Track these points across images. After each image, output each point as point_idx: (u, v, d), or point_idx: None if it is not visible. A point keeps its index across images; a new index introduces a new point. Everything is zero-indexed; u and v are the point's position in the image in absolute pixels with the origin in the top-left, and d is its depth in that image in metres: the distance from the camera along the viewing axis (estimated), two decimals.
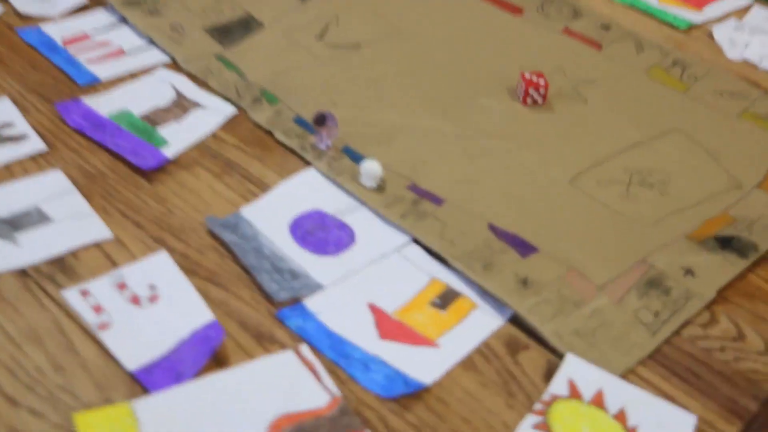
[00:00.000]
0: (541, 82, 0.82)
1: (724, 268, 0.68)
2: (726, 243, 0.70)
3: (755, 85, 0.90)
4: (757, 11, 1.02)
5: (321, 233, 0.68)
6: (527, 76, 0.82)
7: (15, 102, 0.78)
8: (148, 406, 0.55)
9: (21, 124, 0.76)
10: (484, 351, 0.61)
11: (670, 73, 0.90)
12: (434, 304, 0.63)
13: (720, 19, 1.00)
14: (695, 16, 1.00)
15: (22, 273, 0.63)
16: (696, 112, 0.85)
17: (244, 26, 0.90)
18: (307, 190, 0.72)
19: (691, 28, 0.99)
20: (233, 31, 0.89)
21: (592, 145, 0.79)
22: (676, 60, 0.92)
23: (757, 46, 0.95)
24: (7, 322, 0.60)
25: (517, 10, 0.97)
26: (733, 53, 0.95)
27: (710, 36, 0.98)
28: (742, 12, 1.02)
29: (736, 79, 0.90)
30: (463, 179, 0.74)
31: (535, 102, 0.83)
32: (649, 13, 1.00)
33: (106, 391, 0.56)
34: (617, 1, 1.02)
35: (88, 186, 0.71)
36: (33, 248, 0.65)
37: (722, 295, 0.67)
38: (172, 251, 0.65)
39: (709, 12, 1.01)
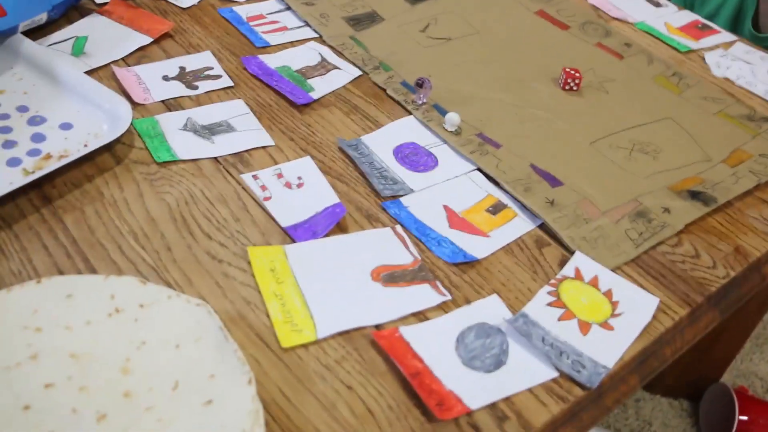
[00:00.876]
0: (577, 75, 0.86)
1: (691, 211, 0.71)
2: (695, 195, 0.74)
3: (731, 95, 0.92)
4: (739, 45, 1.03)
5: (414, 157, 0.72)
6: (567, 69, 0.86)
7: (214, 54, 0.84)
8: (294, 249, 0.61)
9: (218, 69, 0.81)
10: (519, 243, 0.65)
11: (670, 80, 0.92)
12: (488, 210, 0.68)
13: (711, 48, 1.01)
14: (693, 44, 1.01)
15: (216, 160, 0.70)
16: (685, 108, 0.87)
17: (371, 18, 0.94)
18: (407, 129, 0.76)
19: (689, 51, 1.00)
20: (363, 20, 0.93)
21: (608, 122, 0.82)
22: (676, 72, 0.94)
23: (735, 69, 0.97)
24: (206, 189, 0.66)
25: (564, 26, 1.00)
26: (717, 72, 0.96)
27: (703, 59, 0.99)
28: (728, 45, 1.03)
29: (718, 90, 0.92)
30: (515, 134, 0.78)
31: (571, 89, 0.86)
32: (660, 39, 1.01)
33: (267, 237, 0.62)
34: (638, 27, 1.04)
35: (260, 111, 0.76)
36: (223, 146, 0.71)
37: (688, 228, 0.70)
38: (314, 158, 0.71)
39: (704, 42, 1.02)
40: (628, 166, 0.76)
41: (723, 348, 1.21)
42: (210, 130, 0.72)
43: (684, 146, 0.81)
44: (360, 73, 0.84)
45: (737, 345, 1.18)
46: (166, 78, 0.79)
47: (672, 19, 1.07)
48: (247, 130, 0.73)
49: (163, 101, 0.76)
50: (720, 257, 0.68)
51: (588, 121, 0.82)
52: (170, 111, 0.75)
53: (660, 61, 0.95)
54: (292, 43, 0.88)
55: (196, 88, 0.78)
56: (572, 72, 0.85)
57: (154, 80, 0.78)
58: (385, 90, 0.81)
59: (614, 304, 0.60)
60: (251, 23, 0.90)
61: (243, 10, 0.93)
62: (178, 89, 0.78)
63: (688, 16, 1.08)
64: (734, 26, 1.21)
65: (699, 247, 0.68)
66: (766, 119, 0.88)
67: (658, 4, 1.10)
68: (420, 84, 0.79)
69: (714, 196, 0.74)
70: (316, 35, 0.90)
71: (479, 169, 0.72)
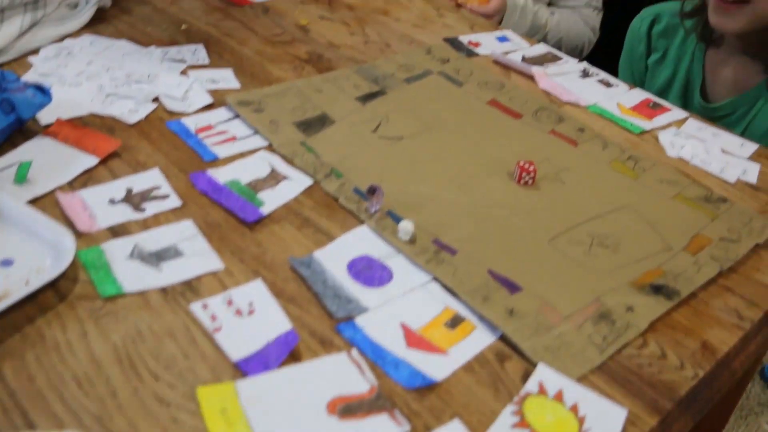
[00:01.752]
0: (531, 168, 0.85)
1: (654, 307, 0.70)
2: (658, 289, 0.73)
3: (686, 176, 0.92)
4: (691, 122, 1.04)
5: (369, 272, 0.71)
6: (521, 163, 0.86)
7: (162, 172, 0.82)
8: (246, 385, 0.58)
9: (166, 187, 0.80)
10: (480, 359, 0.63)
11: (626, 164, 0.92)
12: (446, 325, 0.66)
13: (664, 127, 1.02)
14: (646, 124, 1.02)
15: (163, 291, 0.68)
16: (643, 194, 0.87)
17: (322, 121, 0.93)
18: (361, 241, 0.75)
19: (643, 132, 1.00)
20: (313, 124, 0.92)
21: (566, 215, 0.82)
22: (631, 156, 0.94)
23: (689, 148, 0.98)
24: (153, 323, 0.64)
25: (517, 115, 1.00)
26: (672, 153, 0.97)
27: (656, 139, 0.99)
28: (680, 122, 1.04)
29: (674, 171, 0.92)
30: (472, 236, 0.77)
31: (526, 183, 0.86)
32: (613, 121, 1.02)
33: (217, 373, 0.60)
34: (591, 110, 1.04)
35: (209, 232, 0.75)
36: (171, 273, 0.69)
37: (653, 326, 0.68)
38: (265, 280, 0.69)
39: (657, 121, 1.03)
40: (588, 263, 0.75)
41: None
42: (158, 257, 0.71)
43: (644, 235, 0.80)
44: (311, 181, 0.83)
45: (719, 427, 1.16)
46: (112, 201, 0.78)
47: (624, 99, 1.08)
48: (196, 254, 0.71)
49: (109, 227, 0.74)
50: (687, 355, 0.66)
51: (545, 217, 0.81)
52: (116, 237, 0.73)
53: (615, 145, 0.96)
54: (242, 154, 0.87)
55: (144, 210, 0.77)
56: (526, 166, 0.85)
57: (100, 205, 0.77)
58: (337, 199, 0.80)
59: (581, 420, 0.59)
60: (200, 135, 0.89)
61: (191, 121, 0.92)
62: (124, 213, 0.76)
63: (639, 95, 1.09)
64: (685, 97, 1.22)
65: (665, 346, 0.67)
66: (723, 199, 0.88)
67: (609, 84, 1.11)
68: (372, 191, 0.78)
69: (677, 288, 0.73)
70: (267, 143, 0.89)
71: (436, 279, 0.71)
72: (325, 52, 1.13)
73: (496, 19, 1.42)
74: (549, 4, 1.63)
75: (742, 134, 1.14)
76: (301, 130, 0.91)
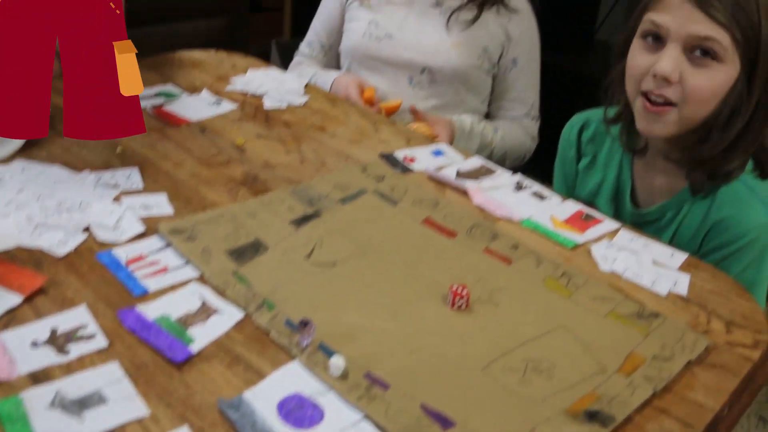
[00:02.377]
0: (464, 292, 0.86)
1: None
2: (593, 416, 0.73)
3: (620, 291, 0.93)
4: (623, 234, 1.06)
5: (299, 411, 0.69)
6: (454, 287, 0.86)
7: (90, 308, 0.80)
8: None
9: (92, 326, 0.78)
10: None
11: (559, 282, 0.93)
12: None
13: (597, 240, 1.04)
14: (579, 237, 1.04)
15: None
16: (576, 313, 0.88)
17: (255, 248, 0.93)
18: (292, 378, 0.73)
19: (576, 246, 1.02)
20: (246, 252, 0.92)
21: (500, 340, 0.81)
22: (564, 272, 0.95)
23: (622, 261, 0.99)
24: None
25: (452, 234, 1.01)
26: (605, 266, 0.98)
27: (589, 252, 1.01)
28: (612, 234, 1.06)
29: (607, 287, 0.93)
30: (405, 368, 0.76)
31: (460, 307, 0.86)
32: (547, 235, 1.04)
33: None
34: (524, 225, 1.06)
35: (135, 374, 0.73)
36: (94, 424, 0.66)
37: None
38: (192, 426, 0.67)
39: (589, 234, 1.05)
40: (523, 391, 0.75)
41: None
42: (80, 404, 0.69)
43: (578, 358, 0.81)
44: (243, 314, 0.82)
45: None
46: (35, 344, 0.76)
47: (557, 212, 1.10)
48: (121, 400, 0.70)
49: (30, 373, 0.72)
50: None
51: (479, 343, 0.81)
52: (37, 384, 0.71)
53: (548, 262, 0.97)
54: (173, 287, 0.86)
55: (68, 352, 0.75)
56: (459, 290, 0.86)
57: (21, 348, 0.75)
58: (268, 333, 0.79)
59: None
60: (130, 266, 0.88)
61: (122, 252, 0.91)
62: (47, 357, 0.74)
63: (572, 207, 1.12)
64: (615, 202, 1.25)
65: None
66: (655, 315, 0.89)
67: (542, 197, 1.14)
68: (303, 324, 0.78)
69: (612, 414, 0.73)
70: (198, 274, 0.88)
71: (368, 416, 0.70)
72: (261, 173, 1.14)
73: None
74: (487, 116, 1.68)
75: (673, 238, 1.17)
76: (233, 259, 0.91)
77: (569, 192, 1.34)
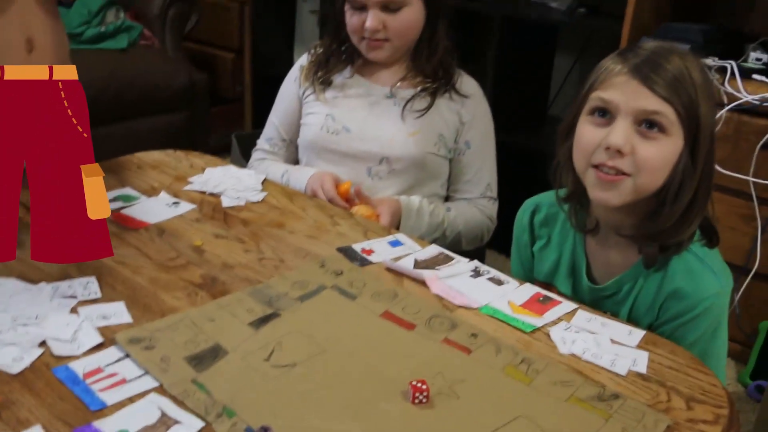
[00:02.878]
0: (424, 387, 0.86)
1: None
2: None
3: (579, 374, 0.94)
4: (581, 314, 1.07)
5: None
6: (414, 382, 0.86)
7: (44, 428, 0.79)
8: None
9: None
10: None
11: (519, 369, 0.93)
12: None
13: (555, 322, 1.05)
14: (537, 321, 1.05)
15: None
16: (537, 400, 0.88)
17: (214, 354, 0.92)
18: None
19: (534, 330, 1.03)
20: (205, 358, 0.91)
21: None
22: (524, 358, 0.95)
23: (580, 342, 1.01)
24: None
25: (410, 326, 1.01)
26: (564, 349, 0.99)
27: (548, 336, 1.02)
28: (570, 315, 1.08)
29: (566, 370, 0.94)
30: None
31: (420, 402, 0.86)
32: (505, 321, 1.05)
33: None
34: (483, 312, 1.07)
35: None
36: None
37: None
38: None
39: (548, 317, 1.06)
40: None
41: None
42: None
43: None
44: (203, 424, 0.81)
45: None
46: None
47: (514, 296, 1.11)
48: None
49: None
50: None
51: None
52: None
53: (508, 348, 0.98)
54: (131, 399, 0.85)
55: None
56: (419, 385, 0.86)
57: None
58: None
59: None
60: (88, 380, 0.88)
61: (79, 365, 0.90)
62: None
63: (529, 291, 1.14)
64: (573, 279, 1.27)
65: None
66: (615, 396, 0.90)
67: (500, 282, 1.15)
68: (264, 431, 0.77)
69: None
70: (157, 384, 0.87)
71: None
72: (220, 275, 1.15)
73: (393, 224, 1.48)
74: (447, 199, 1.71)
75: (630, 312, 1.19)
76: (192, 366, 0.91)
77: (527, 274, 1.36)
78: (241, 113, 3.46)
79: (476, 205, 1.68)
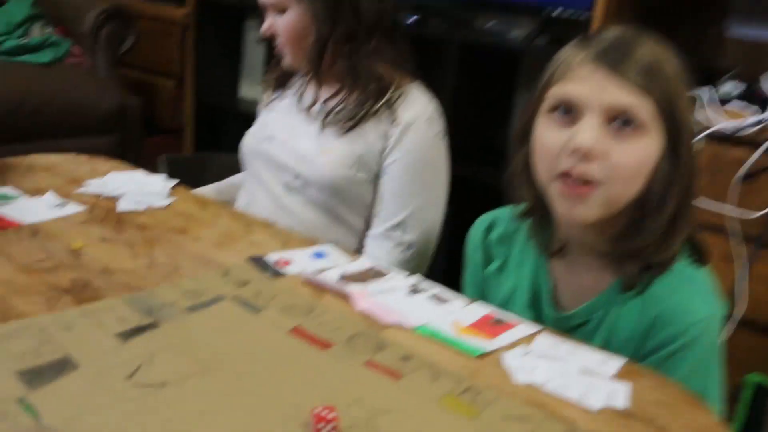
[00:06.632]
0: (331, 416, 0.66)
1: None
2: None
3: (540, 407, 0.75)
4: (543, 338, 0.89)
5: None
6: (317, 410, 0.66)
7: None
8: None
9: None
10: None
11: (461, 399, 0.74)
12: None
13: (510, 347, 0.86)
14: (488, 345, 0.86)
15: None
16: None
17: (59, 368, 0.72)
18: None
19: (483, 355, 0.84)
20: (45, 373, 0.71)
21: None
22: (468, 387, 0.76)
23: (542, 370, 0.82)
24: None
25: (326, 345, 0.82)
26: (520, 377, 0.80)
27: (500, 362, 0.83)
28: (530, 338, 0.89)
29: (523, 404, 0.75)
30: None
31: None
32: (447, 343, 0.86)
33: None
34: (419, 332, 0.88)
35: None
36: None
37: None
38: None
39: (501, 340, 0.87)
40: None
41: None
42: None
43: None
44: None
45: None
46: None
47: (461, 316, 0.93)
48: None
49: None
50: None
51: None
52: None
53: (447, 375, 0.79)
54: None
55: None
56: (325, 413, 0.66)
57: None
58: None
59: None
60: None
61: None
62: None
63: (479, 311, 0.95)
64: (534, 308, 1.08)
65: None
66: None
67: (443, 300, 0.96)
68: None
69: None
70: None
71: None
72: (95, 280, 0.94)
73: None
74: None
75: (605, 343, 0.99)
76: (24, 382, 0.70)
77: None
78: (180, 144, 3.26)
79: (390, 238, 1.42)
